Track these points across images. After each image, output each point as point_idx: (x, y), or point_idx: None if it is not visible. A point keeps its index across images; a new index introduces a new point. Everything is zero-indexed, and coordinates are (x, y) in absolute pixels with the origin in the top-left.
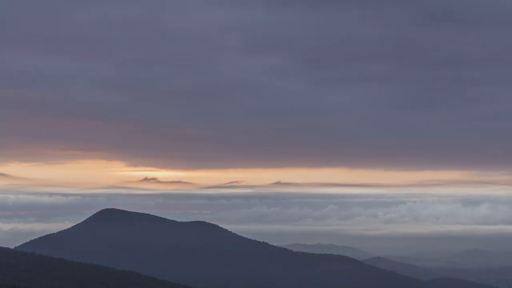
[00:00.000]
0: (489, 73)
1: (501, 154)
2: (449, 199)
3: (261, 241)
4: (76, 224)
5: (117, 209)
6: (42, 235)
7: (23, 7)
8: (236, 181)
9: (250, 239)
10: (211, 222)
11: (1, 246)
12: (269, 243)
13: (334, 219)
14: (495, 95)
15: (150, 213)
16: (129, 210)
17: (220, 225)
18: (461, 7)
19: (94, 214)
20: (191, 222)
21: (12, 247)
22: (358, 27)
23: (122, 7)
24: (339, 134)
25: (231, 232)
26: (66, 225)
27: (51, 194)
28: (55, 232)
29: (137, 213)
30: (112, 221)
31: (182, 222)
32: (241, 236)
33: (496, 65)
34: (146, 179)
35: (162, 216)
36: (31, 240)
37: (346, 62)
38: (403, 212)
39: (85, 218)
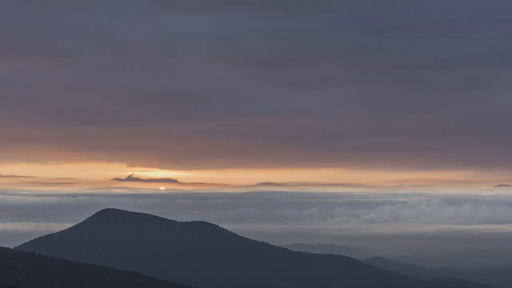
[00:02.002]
0: (452, 76)
1: None
2: (439, 200)
3: (261, 241)
4: (76, 224)
5: (117, 209)
6: (42, 235)
7: None
8: (224, 182)
9: (250, 239)
10: (211, 222)
11: (1, 246)
12: (269, 243)
13: (335, 219)
14: (463, 97)
15: (150, 213)
16: (129, 210)
17: (220, 225)
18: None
19: (94, 214)
20: (191, 222)
21: (12, 247)
22: (316, 31)
23: (82, 16)
24: (327, 135)
25: (231, 232)
26: (66, 225)
27: (50, 194)
28: (55, 232)
29: (137, 213)
30: (112, 221)
31: (182, 222)
32: (241, 236)
33: (458, 68)
34: (136, 179)
35: (162, 216)
36: (31, 240)
37: (307, 65)
38: (398, 212)
39: (85, 218)
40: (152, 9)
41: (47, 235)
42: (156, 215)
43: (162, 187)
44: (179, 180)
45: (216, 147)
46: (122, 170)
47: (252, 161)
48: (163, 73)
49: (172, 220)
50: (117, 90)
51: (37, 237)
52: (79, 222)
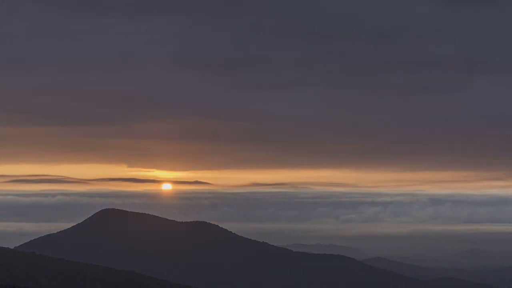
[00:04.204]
0: (426, 78)
1: None
2: (432, 199)
3: (261, 241)
4: (76, 224)
5: (117, 209)
6: (42, 235)
7: None
8: (208, 182)
9: (250, 239)
10: (211, 222)
11: (1, 246)
12: (269, 243)
13: (314, 219)
14: (447, 98)
15: (150, 213)
16: (129, 210)
17: (220, 225)
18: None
19: (94, 214)
20: (191, 222)
21: (12, 247)
22: (276, 35)
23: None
24: (316, 135)
25: (231, 232)
26: (66, 225)
27: (51, 194)
28: (55, 232)
29: (137, 213)
30: (112, 221)
31: (182, 222)
32: (241, 236)
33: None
34: (135, 179)
35: (162, 216)
36: (31, 240)
37: (272, 69)
38: (396, 211)
39: (84, 218)
40: (108, 14)
41: (47, 235)
42: (156, 215)
43: (155, 187)
44: (173, 180)
45: (199, 148)
46: (121, 170)
47: (239, 162)
48: (132, 77)
49: (172, 220)
50: (107, 91)
51: (37, 237)
52: (79, 222)
